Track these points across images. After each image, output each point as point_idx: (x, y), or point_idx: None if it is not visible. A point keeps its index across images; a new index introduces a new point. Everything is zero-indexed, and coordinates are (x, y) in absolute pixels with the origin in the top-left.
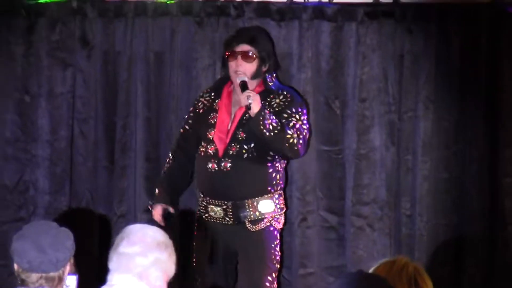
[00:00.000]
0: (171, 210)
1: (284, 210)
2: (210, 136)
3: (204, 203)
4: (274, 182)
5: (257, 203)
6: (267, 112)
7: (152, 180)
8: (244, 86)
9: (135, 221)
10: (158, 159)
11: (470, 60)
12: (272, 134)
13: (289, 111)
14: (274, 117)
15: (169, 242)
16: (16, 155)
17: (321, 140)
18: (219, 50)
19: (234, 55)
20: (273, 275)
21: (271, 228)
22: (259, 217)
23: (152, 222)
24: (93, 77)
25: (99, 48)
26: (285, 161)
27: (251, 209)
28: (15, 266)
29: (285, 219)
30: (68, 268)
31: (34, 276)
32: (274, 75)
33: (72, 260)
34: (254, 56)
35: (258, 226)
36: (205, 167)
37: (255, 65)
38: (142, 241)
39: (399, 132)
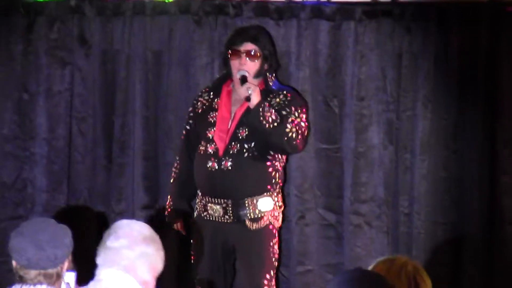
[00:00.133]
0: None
1: (282, 208)
2: (210, 135)
3: (203, 201)
4: (274, 181)
5: (257, 201)
6: (267, 104)
7: (150, 178)
8: (244, 79)
9: (133, 219)
10: (156, 157)
11: (469, 59)
12: (271, 126)
13: (288, 109)
14: (273, 111)
15: (156, 237)
16: (14, 153)
17: (319, 139)
18: (217, 48)
19: (237, 54)
20: (272, 272)
21: (270, 227)
22: (259, 215)
23: (150, 221)
24: (91, 75)
25: (97, 46)
26: (284, 160)
27: (250, 208)
28: (14, 263)
29: (283, 217)
30: (66, 265)
31: (32, 273)
32: (274, 74)
33: (70, 257)
34: (258, 54)
35: (257, 225)
36: (205, 166)
37: (258, 63)
38: (128, 235)
39: (397, 131)
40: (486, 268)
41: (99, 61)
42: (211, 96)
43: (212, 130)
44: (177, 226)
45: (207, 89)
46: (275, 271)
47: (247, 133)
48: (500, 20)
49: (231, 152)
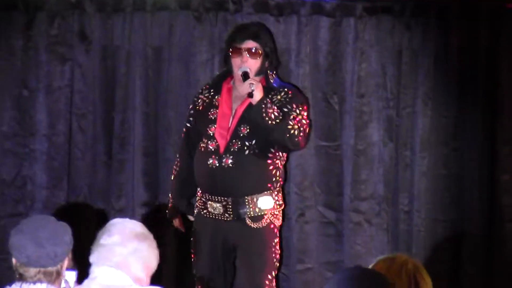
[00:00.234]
0: (191, 219)
1: (283, 207)
2: (211, 132)
3: (203, 199)
4: (274, 179)
5: (257, 200)
6: (269, 101)
7: (150, 175)
8: (245, 75)
9: (133, 215)
10: (156, 154)
11: (469, 56)
12: (273, 123)
13: (289, 106)
14: (275, 107)
15: (149, 235)
16: (14, 150)
17: (319, 136)
18: (217, 45)
19: (239, 51)
20: (273, 273)
21: (271, 226)
22: (259, 214)
23: (149, 217)
24: (91, 71)
25: (97, 42)
26: (285, 159)
27: (250, 206)
28: (13, 261)
29: (283, 216)
30: (66, 262)
31: (32, 271)
32: (275, 72)
33: (70, 255)
34: (259, 52)
35: (259, 224)
36: (206, 163)
37: (259, 61)
38: (121, 232)
39: (397, 128)
40: (486, 266)
41: (99, 57)
42: (212, 93)
43: (213, 127)
44: (176, 223)
45: (207, 86)
46: (276, 271)
47: (248, 130)
48: (500, 17)
49: (231, 149)
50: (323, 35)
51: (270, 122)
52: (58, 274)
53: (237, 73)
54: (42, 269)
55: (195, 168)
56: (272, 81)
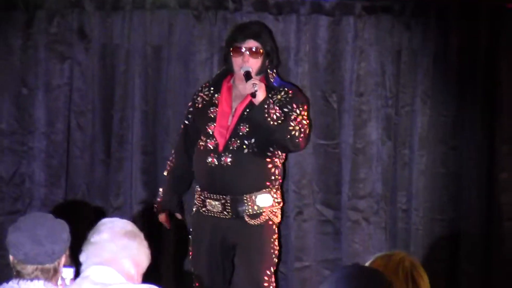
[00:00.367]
0: (178, 216)
1: (281, 205)
2: (210, 131)
3: (202, 197)
4: (273, 177)
5: (255, 198)
6: (271, 102)
7: (149, 173)
8: (248, 75)
9: (131, 213)
10: (155, 152)
11: (469, 55)
12: (275, 123)
13: (290, 106)
14: (277, 108)
15: (139, 233)
16: (12, 147)
17: (318, 134)
18: (217, 43)
19: (240, 51)
20: (272, 269)
21: (270, 223)
22: (258, 211)
23: (147, 216)
24: (90, 70)
25: (97, 41)
26: (284, 157)
27: (249, 204)
28: (11, 258)
29: (282, 213)
30: (63, 260)
31: (29, 268)
32: (275, 71)
33: (68, 252)
34: (261, 51)
35: (257, 221)
36: (205, 161)
37: (260, 60)
38: (110, 230)
39: (396, 126)
40: (484, 264)
41: (99, 55)
42: (212, 91)
43: (212, 125)
44: (162, 218)
45: (207, 84)
46: (275, 267)
47: (247, 129)
48: (500, 17)
49: (231, 148)
50: (322, 34)
51: (272, 123)
52: (56, 271)
53: (239, 72)
54: (39, 266)
55: (194, 166)
56: (272, 80)
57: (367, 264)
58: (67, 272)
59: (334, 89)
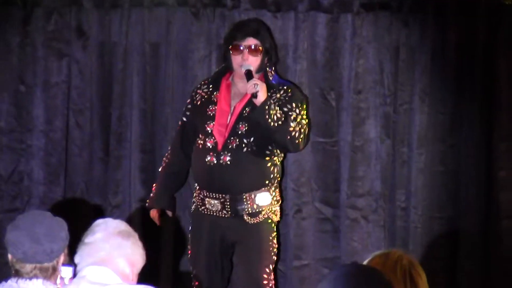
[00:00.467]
0: (169, 214)
1: (280, 203)
2: (209, 129)
3: (201, 196)
4: (272, 176)
5: (255, 196)
6: (272, 102)
7: (147, 171)
8: (249, 74)
9: (129, 211)
10: (153, 150)
11: (467, 52)
12: (276, 124)
13: (289, 106)
14: (278, 108)
15: (133, 233)
16: (11, 145)
17: (316, 132)
18: (215, 41)
19: (239, 49)
20: (271, 267)
21: (269, 221)
22: (257, 210)
23: (146, 214)
24: (88, 67)
25: (95, 39)
26: (282, 155)
27: (248, 202)
28: (9, 256)
29: (280, 211)
30: (62, 258)
31: (28, 267)
32: (274, 69)
33: (66, 251)
34: (260, 49)
35: (256, 219)
36: (203, 160)
37: (259, 58)
38: (104, 230)
39: (394, 124)
40: (483, 262)
41: (97, 53)
42: (210, 89)
43: (211, 124)
44: (153, 213)
45: (206, 82)
46: (274, 265)
47: (246, 128)
48: (498, 13)
49: (230, 146)
50: (320, 31)
51: (272, 124)
52: (54, 270)
53: (238, 70)
54: (38, 265)
55: (193, 165)
56: (271, 78)
57: (365, 262)
58: (66, 271)
59: (333, 87)
